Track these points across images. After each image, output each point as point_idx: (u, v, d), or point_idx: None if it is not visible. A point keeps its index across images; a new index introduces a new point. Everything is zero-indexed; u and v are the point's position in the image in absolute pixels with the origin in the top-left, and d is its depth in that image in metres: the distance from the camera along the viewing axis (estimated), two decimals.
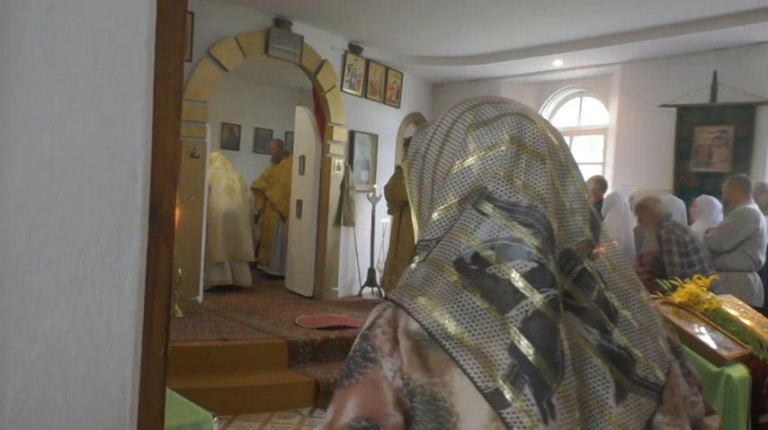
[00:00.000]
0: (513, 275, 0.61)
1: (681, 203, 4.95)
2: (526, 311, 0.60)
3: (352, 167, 6.69)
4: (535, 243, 0.63)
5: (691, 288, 2.99)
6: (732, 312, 2.95)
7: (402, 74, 7.28)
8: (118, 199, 0.76)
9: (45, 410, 0.73)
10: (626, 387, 0.63)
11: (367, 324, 0.64)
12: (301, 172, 6.71)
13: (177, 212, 5.14)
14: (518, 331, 0.59)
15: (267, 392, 4.05)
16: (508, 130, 0.70)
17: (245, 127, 8.70)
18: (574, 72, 6.83)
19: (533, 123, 0.72)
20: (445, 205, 0.68)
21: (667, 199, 4.84)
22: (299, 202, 6.65)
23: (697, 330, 2.75)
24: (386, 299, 0.65)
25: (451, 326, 0.59)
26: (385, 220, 6.80)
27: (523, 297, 0.60)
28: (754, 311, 3.12)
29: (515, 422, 0.56)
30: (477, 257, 0.62)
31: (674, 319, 2.75)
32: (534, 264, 0.62)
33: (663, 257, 4.32)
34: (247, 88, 8.25)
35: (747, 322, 2.89)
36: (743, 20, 4.92)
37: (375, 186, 6.94)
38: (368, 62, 6.73)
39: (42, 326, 0.72)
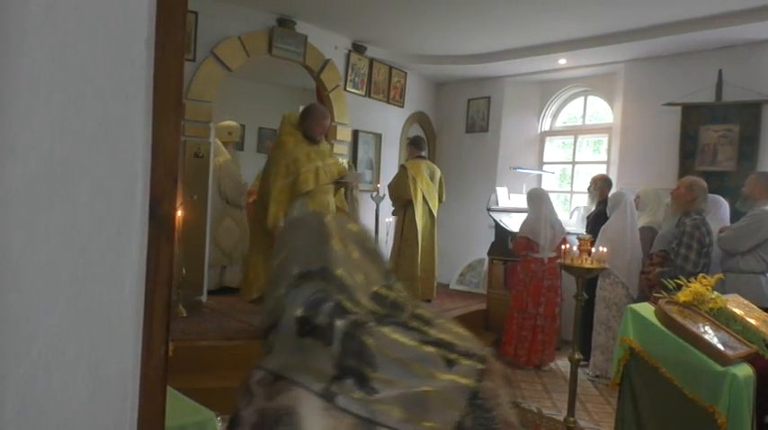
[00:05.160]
0: (322, 316, 0.88)
1: (725, 204, 4.88)
2: (338, 335, 0.86)
3: (355, 167, 6.68)
4: (329, 289, 0.90)
5: (695, 287, 2.98)
6: (737, 311, 2.93)
7: (406, 73, 7.28)
8: (118, 198, 0.76)
9: (45, 409, 0.73)
10: (453, 358, 0.88)
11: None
12: None
13: (181, 212, 5.09)
14: (335, 348, 0.85)
15: None
16: (305, 227, 1.03)
17: (249, 127, 8.70)
18: (578, 71, 6.81)
19: (323, 218, 1.03)
20: (276, 291, 0.96)
21: (711, 198, 4.75)
22: None
23: (702, 329, 2.73)
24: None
25: (287, 361, 0.86)
26: (389, 220, 6.80)
27: (334, 328, 0.86)
28: (760, 310, 3.10)
29: (346, 404, 0.79)
30: (300, 319, 0.89)
31: (679, 319, 2.74)
32: (333, 303, 0.89)
33: (679, 249, 4.29)
34: (251, 88, 8.26)
35: (752, 321, 2.88)
36: (748, 18, 4.89)
37: (379, 186, 6.94)
38: (371, 61, 6.73)
39: (42, 325, 0.72)
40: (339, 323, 0.86)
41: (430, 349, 0.87)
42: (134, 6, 0.76)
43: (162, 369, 0.87)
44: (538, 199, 5.61)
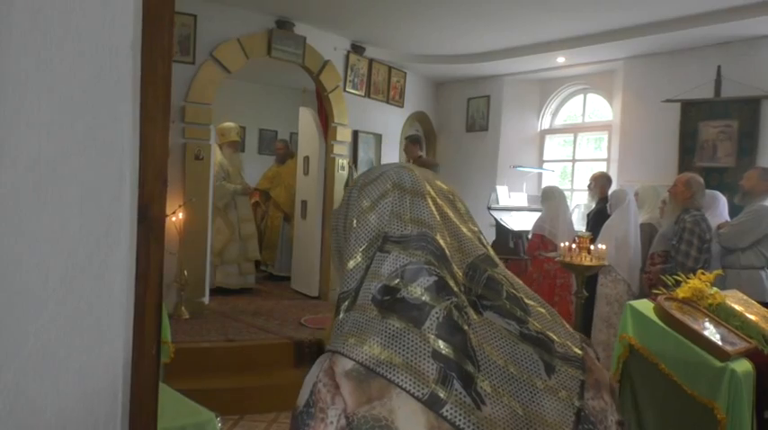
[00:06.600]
0: (418, 292, 0.71)
1: (723, 200, 4.84)
2: (437, 319, 0.70)
3: (356, 167, 6.69)
4: (430, 261, 0.74)
5: (695, 283, 2.98)
6: (736, 307, 2.93)
7: (405, 73, 7.28)
8: (106, 200, 0.77)
9: (36, 408, 0.74)
10: (552, 363, 0.74)
11: (311, 376, 0.70)
12: (306, 172, 6.72)
13: (182, 213, 5.10)
14: (435, 337, 0.69)
15: (273, 392, 4.06)
16: (390, 180, 0.82)
17: (250, 128, 8.72)
18: (577, 69, 6.81)
19: (411, 171, 0.84)
20: (353, 256, 0.78)
21: (709, 193, 4.73)
22: (304, 203, 6.66)
23: (701, 325, 2.73)
24: (326, 350, 0.72)
25: (380, 353, 0.68)
26: None
27: (432, 307, 0.70)
28: (759, 306, 3.10)
29: (455, 416, 0.65)
30: (387, 289, 0.72)
31: (678, 315, 2.74)
32: (434, 278, 0.73)
33: (680, 245, 4.28)
34: (251, 90, 8.28)
35: (752, 317, 2.88)
36: (746, 14, 4.89)
37: None
38: (370, 62, 6.74)
39: (32, 326, 0.73)
40: (438, 304, 0.71)
41: (528, 348, 0.74)
42: (120, 10, 0.77)
43: (154, 369, 0.88)
44: (557, 197, 5.60)
